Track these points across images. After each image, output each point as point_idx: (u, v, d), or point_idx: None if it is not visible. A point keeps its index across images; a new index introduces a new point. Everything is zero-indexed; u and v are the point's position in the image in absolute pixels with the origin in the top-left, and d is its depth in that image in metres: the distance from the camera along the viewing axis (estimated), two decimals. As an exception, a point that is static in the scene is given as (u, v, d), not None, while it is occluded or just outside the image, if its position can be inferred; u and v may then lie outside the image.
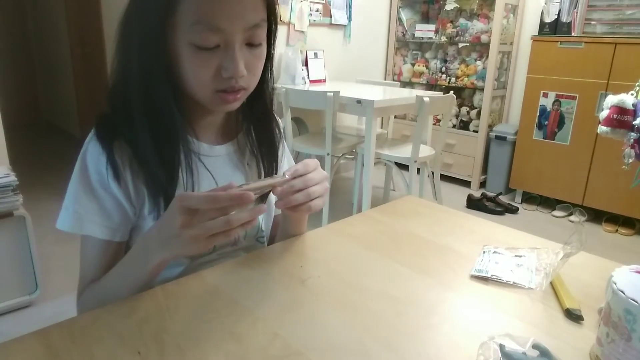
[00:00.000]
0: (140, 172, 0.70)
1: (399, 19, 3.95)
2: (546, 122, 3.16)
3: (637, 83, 1.56)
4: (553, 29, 3.10)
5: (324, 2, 3.43)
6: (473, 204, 3.25)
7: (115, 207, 0.70)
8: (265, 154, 0.84)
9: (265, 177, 0.83)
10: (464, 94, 3.75)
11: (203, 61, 0.65)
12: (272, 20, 0.71)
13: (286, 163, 0.93)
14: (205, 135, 0.79)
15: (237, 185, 0.59)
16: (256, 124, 0.83)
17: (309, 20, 3.36)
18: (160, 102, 0.68)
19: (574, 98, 3.02)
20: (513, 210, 3.22)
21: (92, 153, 0.69)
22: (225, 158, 0.81)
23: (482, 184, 3.66)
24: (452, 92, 2.83)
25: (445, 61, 3.81)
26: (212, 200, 0.57)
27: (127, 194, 0.70)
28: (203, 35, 0.63)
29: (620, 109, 1.54)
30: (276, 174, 0.85)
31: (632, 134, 1.51)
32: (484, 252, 0.80)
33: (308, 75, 3.23)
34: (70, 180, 0.70)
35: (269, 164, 0.84)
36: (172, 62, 0.67)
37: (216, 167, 0.78)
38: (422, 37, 3.87)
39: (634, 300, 0.48)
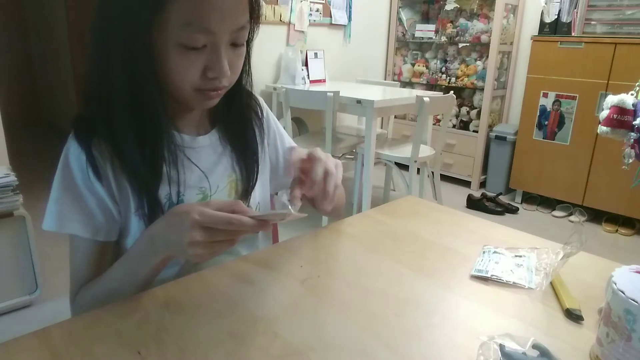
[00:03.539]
0: (122, 169, 0.70)
1: (399, 19, 3.95)
2: (546, 122, 3.16)
3: (637, 83, 1.56)
4: (553, 29, 3.10)
5: (324, 2, 3.43)
6: (473, 204, 3.25)
7: (98, 205, 0.69)
8: (240, 150, 0.84)
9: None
10: (464, 94, 3.75)
11: (190, 61, 0.65)
12: (253, 20, 0.72)
13: (279, 143, 0.96)
14: (187, 127, 0.78)
15: (244, 206, 0.61)
16: (232, 120, 0.83)
17: (309, 20, 3.35)
18: (144, 98, 0.67)
19: (574, 98, 3.02)
20: (513, 210, 3.22)
21: (73, 152, 0.69)
22: (209, 148, 0.80)
23: (482, 184, 3.65)
24: (452, 92, 2.82)
25: (445, 61, 3.81)
26: (232, 223, 0.58)
27: (110, 192, 0.70)
28: (193, 36, 0.63)
29: (620, 109, 1.54)
30: (257, 168, 0.85)
31: (632, 134, 1.51)
32: (484, 252, 0.80)
33: (308, 75, 3.23)
34: (54, 181, 0.70)
35: (244, 157, 0.84)
36: (156, 59, 0.66)
37: (201, 158, 0.78)
38: (422, 37, 3.86)
39: (634, 300, 0.48)
